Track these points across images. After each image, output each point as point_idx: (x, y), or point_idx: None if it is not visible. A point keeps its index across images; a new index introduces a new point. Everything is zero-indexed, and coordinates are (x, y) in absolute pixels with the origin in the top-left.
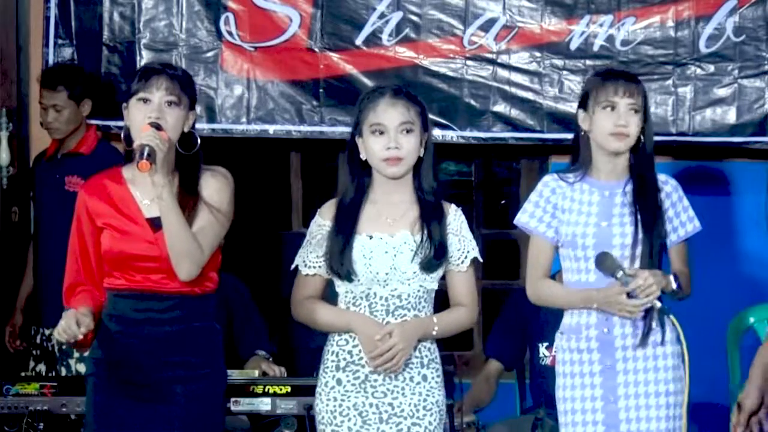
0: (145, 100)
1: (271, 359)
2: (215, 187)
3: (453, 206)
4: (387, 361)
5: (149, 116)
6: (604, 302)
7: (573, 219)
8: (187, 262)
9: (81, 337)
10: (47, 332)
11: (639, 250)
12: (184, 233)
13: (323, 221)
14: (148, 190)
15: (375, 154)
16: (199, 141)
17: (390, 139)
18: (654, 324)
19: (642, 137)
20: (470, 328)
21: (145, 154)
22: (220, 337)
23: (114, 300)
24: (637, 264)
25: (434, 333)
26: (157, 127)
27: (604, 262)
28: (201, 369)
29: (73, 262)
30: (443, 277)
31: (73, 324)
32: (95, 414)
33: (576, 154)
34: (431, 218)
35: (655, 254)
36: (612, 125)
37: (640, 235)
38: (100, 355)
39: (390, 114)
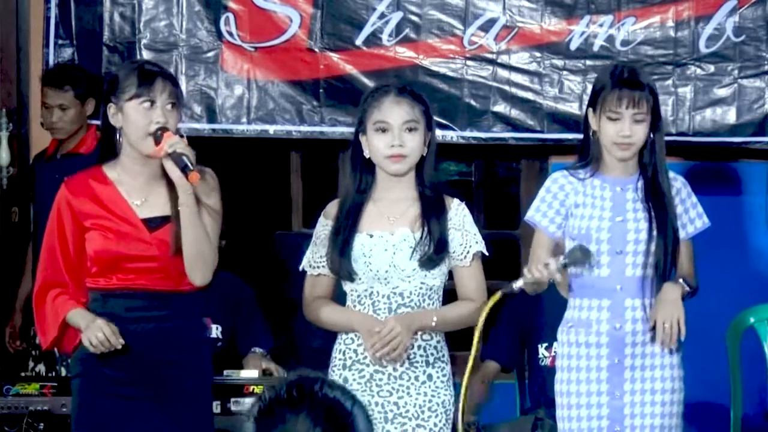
0: (151, 103)
1: (268, 356)
2: (209, 187)
3: (456, 201)
4: (386, 345)
5: (157, 121)
6: (534, 263)
7: (587, 213)
8: (204, 267)
9: (120, 347)
10: None
11: (653, 245)
12: (204, 239)
13: (326, 221)
14: (136, 191)
15: (378, 152)
16: (185, 138)
17: (394, 137)
18: None
19: (652, 134)
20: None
21: (190, 164)
22: (206, 333)
23: (103, 300)
24: (651, 260)
25: (433, 324)
26: (167, 129)
27: (579, 252)
28: (191, 365)
29: (52, 260)
30: (451, 276)
31: (112, 336)
32: (82, 414)
33: (584, 151)
34: (432, 214)
35: (669, 250)
36: (616, 135)
37: (654, 231)
38: (88, 355)
39: (394, 112)
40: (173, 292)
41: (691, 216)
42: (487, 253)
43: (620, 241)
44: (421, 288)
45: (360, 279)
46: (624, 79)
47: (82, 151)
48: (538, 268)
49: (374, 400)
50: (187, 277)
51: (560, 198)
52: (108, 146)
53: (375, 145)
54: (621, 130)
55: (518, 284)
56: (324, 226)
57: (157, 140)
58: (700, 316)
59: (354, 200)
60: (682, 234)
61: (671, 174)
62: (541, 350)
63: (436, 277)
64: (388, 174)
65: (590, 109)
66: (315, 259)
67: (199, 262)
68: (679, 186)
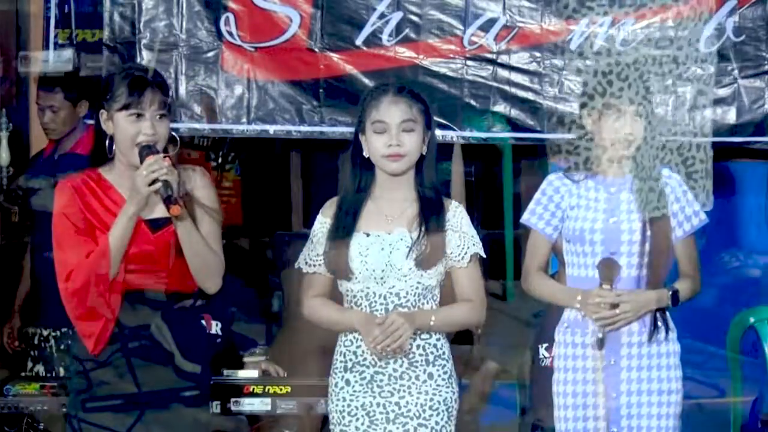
0: (138, 115)
1: (268, 356)
2: (206, 186)
3: (454, 202)
4: (389, 335)
5: (145, 133)
6: (585, 301)
7: (581, 215)
8: (212, 276)
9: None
10: (45, 333)
11: (647, 246)
12: (205, 250)
13: (324, 219)
14: None
15: (377, 151)
16: (179, 141)
17: (392, 136)
18: (659, 322)
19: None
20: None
21: (171, 195)
22: (204, 332)
23: None
24: (646, 260)
25: (431, 323)
26: (151, 147)
27: (607, 268)
28: (190, 364)
29: (80, 245)
30: (449, 277)
31: (155, 165)
32: (80, 414)
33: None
34: (430, 215)
35: (661, 251)
36: (616, 132)
37: (648, 232)
38: (85, 355)
39: (392, 112)
40: (176, 293)
41: (687, 213)
42: (484, 255)
43: (614, 242)
44: (417, 288)
45: (356, 278)
46: (619, 76)
47: (80, 151)
48: (606, 307)
49: (376, 401)
50: (191, 278)
51: (555, 200)
52: (101, 150)
53: (373, 145)
54: (622, 126)
55: (600, 333)
56: (321, 224)
57: (142, 159)
58: (700, 316)
59: (352, 199)
60: (678, 232)
61: (666, 172)
62: (542, 350)
63: (432, 277)
64: (387, 173)
65: (584, 110)
66: (311, 257)
67: (206, 273)
68: (674, 184)
